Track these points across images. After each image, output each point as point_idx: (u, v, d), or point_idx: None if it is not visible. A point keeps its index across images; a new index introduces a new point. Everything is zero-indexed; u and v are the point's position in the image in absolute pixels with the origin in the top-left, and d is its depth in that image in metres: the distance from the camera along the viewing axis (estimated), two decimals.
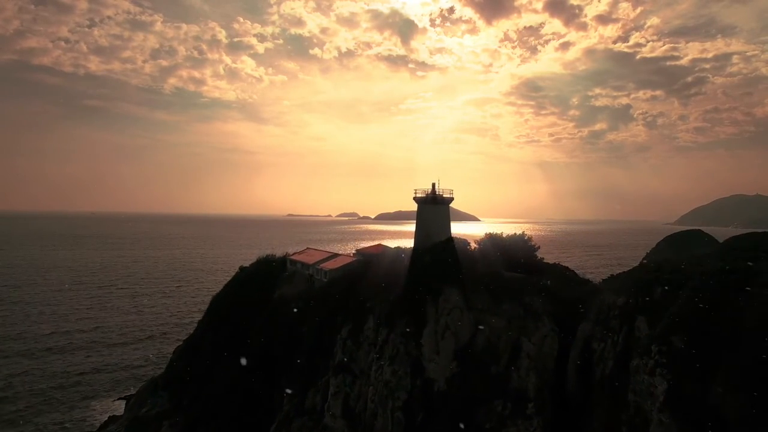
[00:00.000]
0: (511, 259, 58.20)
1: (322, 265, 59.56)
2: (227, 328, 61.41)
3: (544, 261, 64.13)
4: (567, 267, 63.78)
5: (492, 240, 64.66)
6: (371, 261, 56.55)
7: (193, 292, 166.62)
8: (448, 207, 49.40)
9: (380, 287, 47.36)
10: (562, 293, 45.06)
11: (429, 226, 47.71)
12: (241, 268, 73.12)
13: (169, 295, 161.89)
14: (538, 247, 63.44)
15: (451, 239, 46.35)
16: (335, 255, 64.31)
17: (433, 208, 48.16)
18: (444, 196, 48.92)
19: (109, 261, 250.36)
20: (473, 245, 63.63)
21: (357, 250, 71.62)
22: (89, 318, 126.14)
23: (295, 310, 52.92)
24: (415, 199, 49.87)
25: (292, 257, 69.16)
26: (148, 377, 79.15)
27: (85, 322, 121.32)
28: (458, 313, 39.89)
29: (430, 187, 49.80)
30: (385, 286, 47.10)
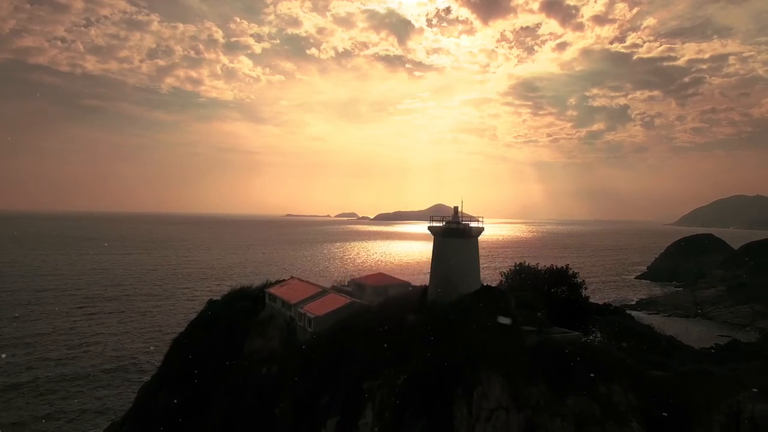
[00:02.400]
0: (549, 300, 44.69)
1: (305, 308, 45.80)
2: (184, 389, 47.53)
3: (590, 300, 50.69)
4: (622, 309, 50.20)
5: (523, 273, 51.06)
6: (370, 304, 43.01)
7: (184, 303, 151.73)
8: (477, 241, 35.51)
9: (382, 352, 33.73)
10: (642, 371, 31.36)
11: (451, 268, 33.80)
12: (210, 303, 59.08)
13: (157, 310, 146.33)
14: (584, 284, 49.78)
15: (486, 290, 32.49)
16: (323, 291, 50.51)
17: (457, 244, 34.23)
18: (471, 225, 35.05)
19: (102, 265, 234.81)
20: (500, 279, 50.07)
21: (351, 280, 58.02)
22: (61, 345, 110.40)
23: (267, 375, 39.11)
24: (430, 229, 36.18)
25: (271, 291, 55.35)
26: (115, 420, 65.08)
27: (58, 348, 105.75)
28: (503, 415, 26.14)
29: (452, 213, 36.04)
30: (389, 350, 33.50)
